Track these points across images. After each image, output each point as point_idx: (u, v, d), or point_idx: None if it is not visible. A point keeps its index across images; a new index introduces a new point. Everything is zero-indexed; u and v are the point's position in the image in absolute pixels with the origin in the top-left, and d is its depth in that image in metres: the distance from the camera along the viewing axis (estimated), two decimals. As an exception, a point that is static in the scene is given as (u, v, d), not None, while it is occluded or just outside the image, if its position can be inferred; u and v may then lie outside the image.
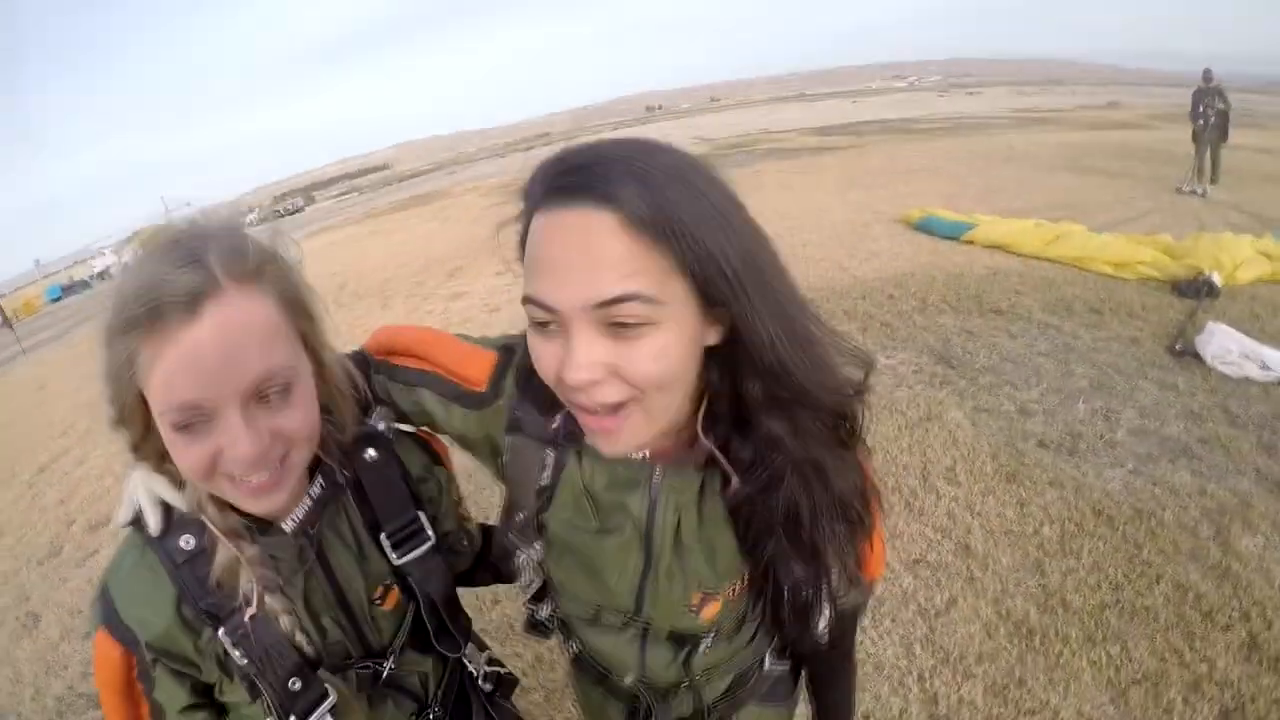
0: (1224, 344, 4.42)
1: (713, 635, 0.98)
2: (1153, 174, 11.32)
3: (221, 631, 0.84)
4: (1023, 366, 4.71)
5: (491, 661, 1.23)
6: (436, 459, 1.10)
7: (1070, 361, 4.67)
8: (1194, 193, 10.01)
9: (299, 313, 0.85)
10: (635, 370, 0.70)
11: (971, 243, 7.66)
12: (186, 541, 0.84)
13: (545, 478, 0.92)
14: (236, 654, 0.85)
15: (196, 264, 0.74)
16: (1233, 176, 10.68)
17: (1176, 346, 4.65)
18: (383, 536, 0.99)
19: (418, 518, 1.02)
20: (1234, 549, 2.90)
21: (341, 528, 0.96)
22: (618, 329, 0.68)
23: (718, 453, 0.83)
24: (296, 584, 0.90)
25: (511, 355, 0.96)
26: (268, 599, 0.86)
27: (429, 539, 1.02)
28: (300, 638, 0.90)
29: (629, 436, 0.76)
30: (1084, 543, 3.01)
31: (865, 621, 2.80)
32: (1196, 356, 4.48)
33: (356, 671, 0.96)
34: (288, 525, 0.90)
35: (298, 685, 0.88)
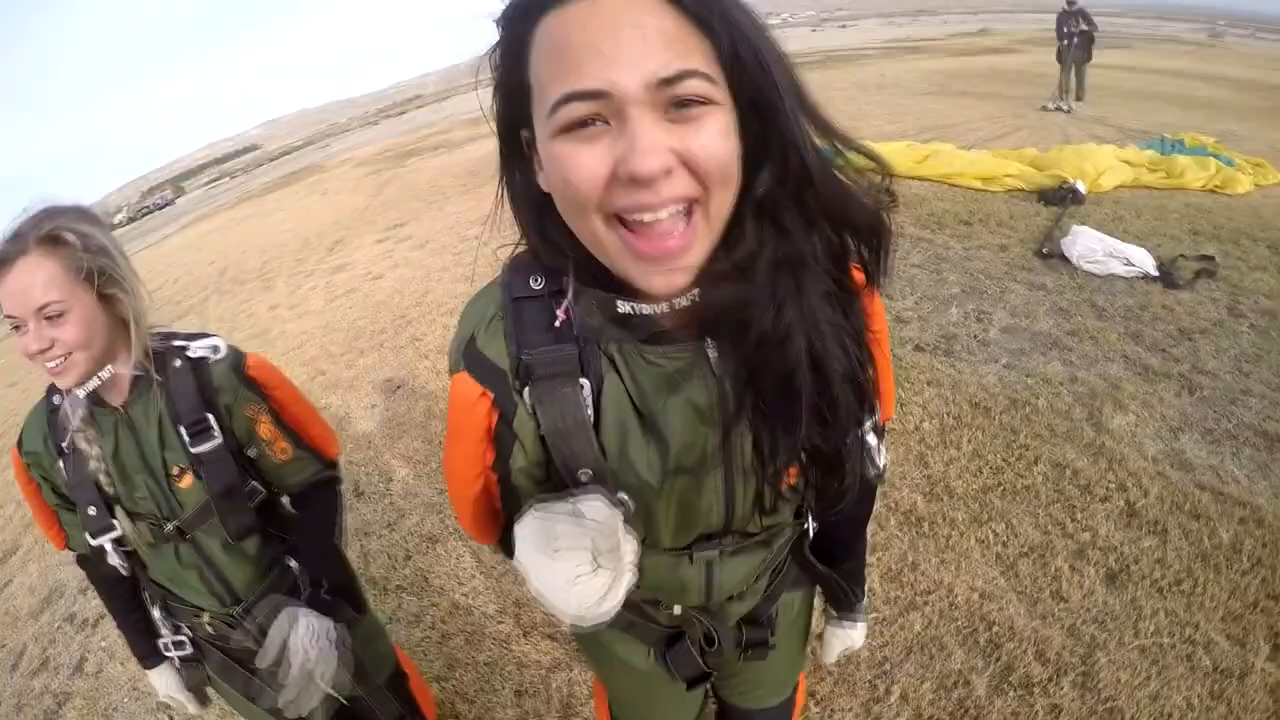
0: (1089, 244, 4.64)
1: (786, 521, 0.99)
2: (1020, 94, 11.87)
3: (60, 461, 1.33)
4: (897, 279, 4.82)
5: (338, 588, 1.49)
6: (254, 389, 1.41)
7: (943, 271, 4.81)
8: (1059, 109, 10.56)
9: (83, 273, 1.22)
10: (707, 153, 0.63)
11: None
12: (58, 401, 1.34)
13: (590, 412, 0.81)
14: (63, 478, 1.34)
15: (19, 237, 1.20)
16: (1098, 93, 11.31)
17: (1044, 250, 4.86)
18: (181, 428, 1.33)
19: (206, 418, 1.35)
20: (1106, 428, 3.05)
21: (150, 411, 1.33)
22: (680, 111, 0.63)
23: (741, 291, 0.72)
24: (107, 442, 1.33)
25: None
26: (79, 444, 1.31)
27: (216, 438, 1.35)
28: (104, 479, 1.32)
29: (697, 252, 0.68)
30: (963, 434, 3.10)
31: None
32: (1063, 258, 4.69)
33: (150, 525, 1.35)
34: (114, 401, 1.34)
35: (92, 511, 1.33)
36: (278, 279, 9.08)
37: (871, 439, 0.90)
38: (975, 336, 3.94)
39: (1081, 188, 5.87)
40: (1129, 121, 9.35)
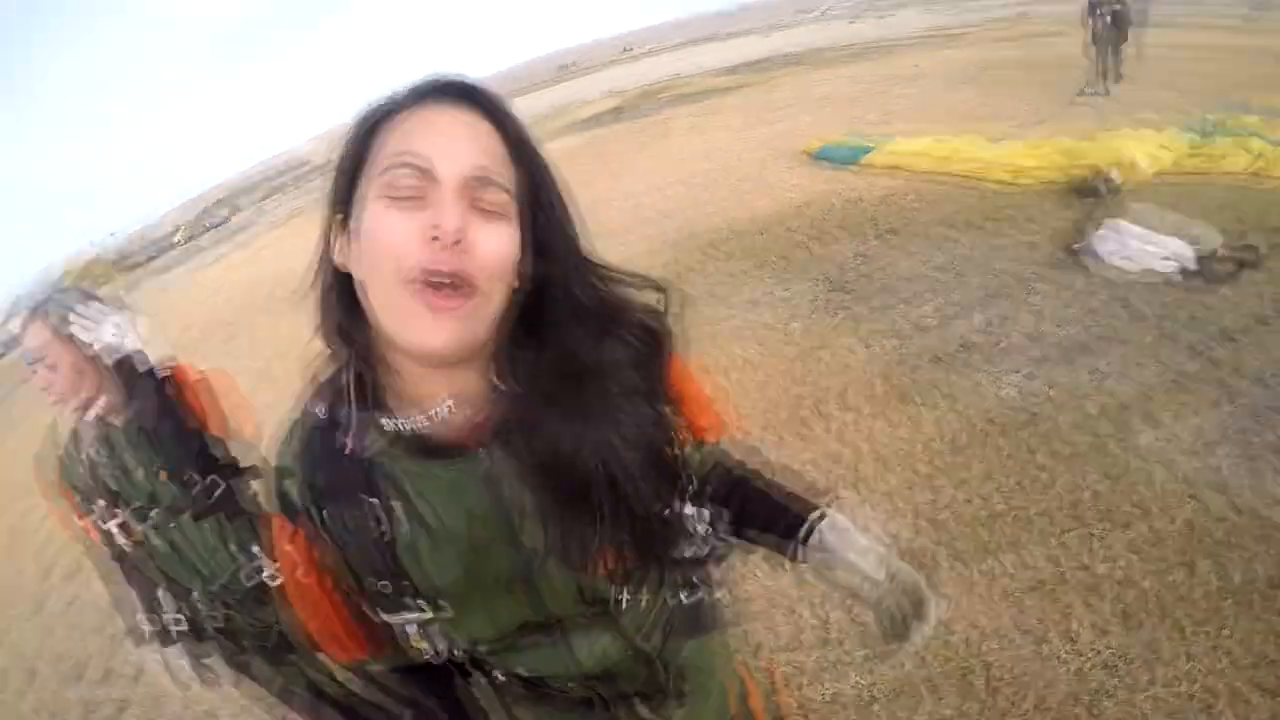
0: (1123, 238, 4.40)
1: (624, 585, 0.95)
2: (1056, 80, 11.45)
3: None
4: (917, 283, 4.64)
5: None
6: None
7: (966, 273, 4.61)
8: (1096, 94, 10.14)
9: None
10: (489, 250, 0.77)
11: (870, 166, 7.60)
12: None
13: (384, 529, 0.86)
14: None
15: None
16: (1136, 75, 10.88)
17: (1074, 246, 4.62)
18: None
19: None
20: (1134, 444, 2.84)
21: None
22: (477, 212, 0.77)
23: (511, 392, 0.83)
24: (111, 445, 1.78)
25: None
26: None
27: None
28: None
29: (463, 327, 0.77)
30: (975, 454, 2.93)
31: (755, 556, 2.71)
32: (1095, 255, 4.45)
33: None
34: None
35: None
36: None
37: (689, 509, 0.94)
38: (996, 344, 3.74)
39: (1116, 177, 5.59)
40: (1169, 104, 8.94)
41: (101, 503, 1.75)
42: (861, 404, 3.45)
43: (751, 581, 2.58)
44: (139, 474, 1.73)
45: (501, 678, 1.00)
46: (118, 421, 1.75)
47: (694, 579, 1.07)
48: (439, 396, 0.82)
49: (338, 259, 0.83)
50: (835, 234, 5.94)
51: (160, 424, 1.71)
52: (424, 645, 0.92)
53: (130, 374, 1.70)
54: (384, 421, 0.84)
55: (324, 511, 0.87)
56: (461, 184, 0.76)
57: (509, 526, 0.85)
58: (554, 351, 0.83)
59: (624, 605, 0.98)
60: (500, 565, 0.87)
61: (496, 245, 0.78)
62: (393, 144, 0.78)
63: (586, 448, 0.80)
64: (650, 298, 0.91)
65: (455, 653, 0.95)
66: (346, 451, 0.85)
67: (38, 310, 1.72)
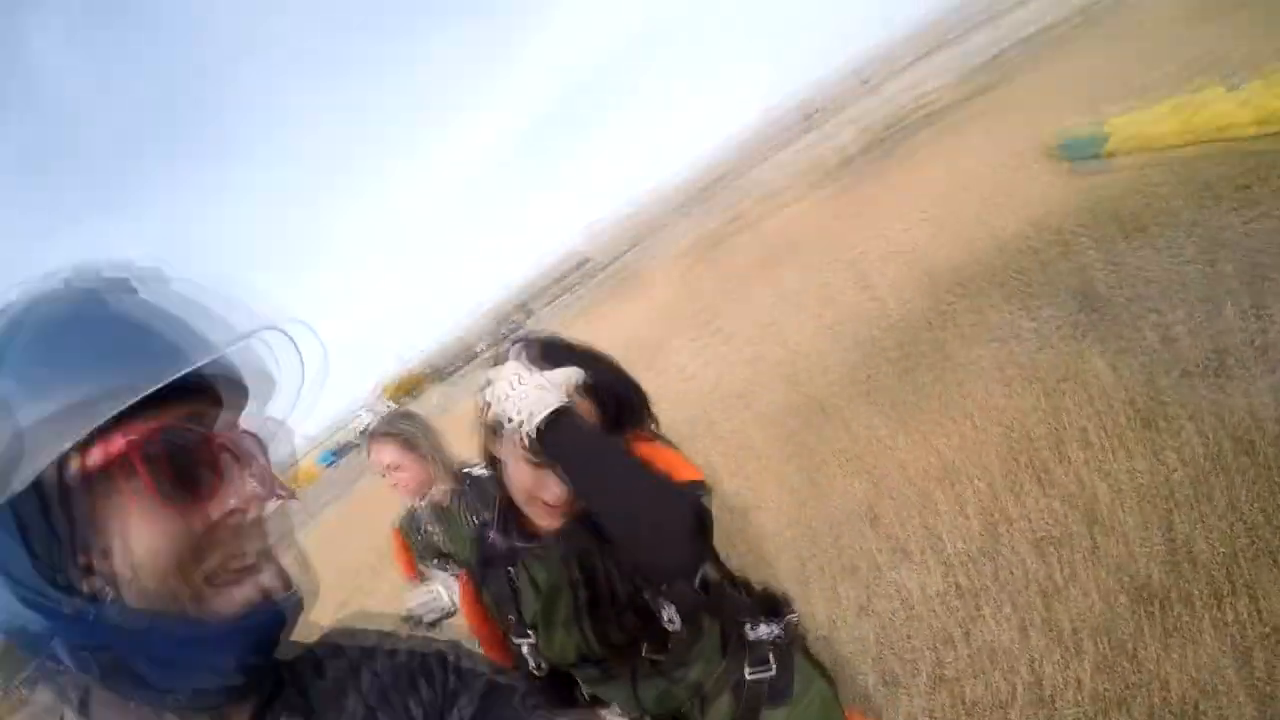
0: None
1: (652, 648, 1.35)
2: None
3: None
4: (1167, 285, 4.33)
5: None
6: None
7: (1218, 259, 4.23)
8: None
9: (409, 444, 2.53)
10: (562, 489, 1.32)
11: (1113, 154, 7.10)
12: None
13: (515, 583, 1.41)
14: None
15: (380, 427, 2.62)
16: None
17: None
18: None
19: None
20: None
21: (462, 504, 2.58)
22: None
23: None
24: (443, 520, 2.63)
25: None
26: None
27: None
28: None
29: (572, 511, 1.33)
30: (1218, 482, 2.76)
31: (985, 609, 2.82)
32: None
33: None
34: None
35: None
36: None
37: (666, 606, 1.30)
38: (1252, 342, 3.44)
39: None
40: None
41: (434, 560, 2.62)
42: (1103, 439, 3.36)
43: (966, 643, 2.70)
44: (464, 533, 2.50)
45: (585, 697, 1.45)
46: (446, 501, 2.60)
47: (767, 657, 1.41)
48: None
49: (492, 449, 1.39)
50: (1081, 243, 5.65)
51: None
52: (529, 660, 1.37)
53: (460, 473, 2.62)
54: (513, 540, 1.42)
55: (484, 571, 1.47)
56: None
57: (569, 587, 1.32)
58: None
59: (670, 665, 1.36)
60: (560, 612, 1.34)
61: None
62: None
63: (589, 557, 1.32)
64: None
65: (542, 668, 1.38)
66: (493, 542, 1.45)
67: (382, 432, 2.56)
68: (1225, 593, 2.36)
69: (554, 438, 1.15)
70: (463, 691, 0.73)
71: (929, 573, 3.19)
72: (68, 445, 0.55)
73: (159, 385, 0.56)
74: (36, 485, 0.55)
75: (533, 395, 1.18)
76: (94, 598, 0.57)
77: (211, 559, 0.62)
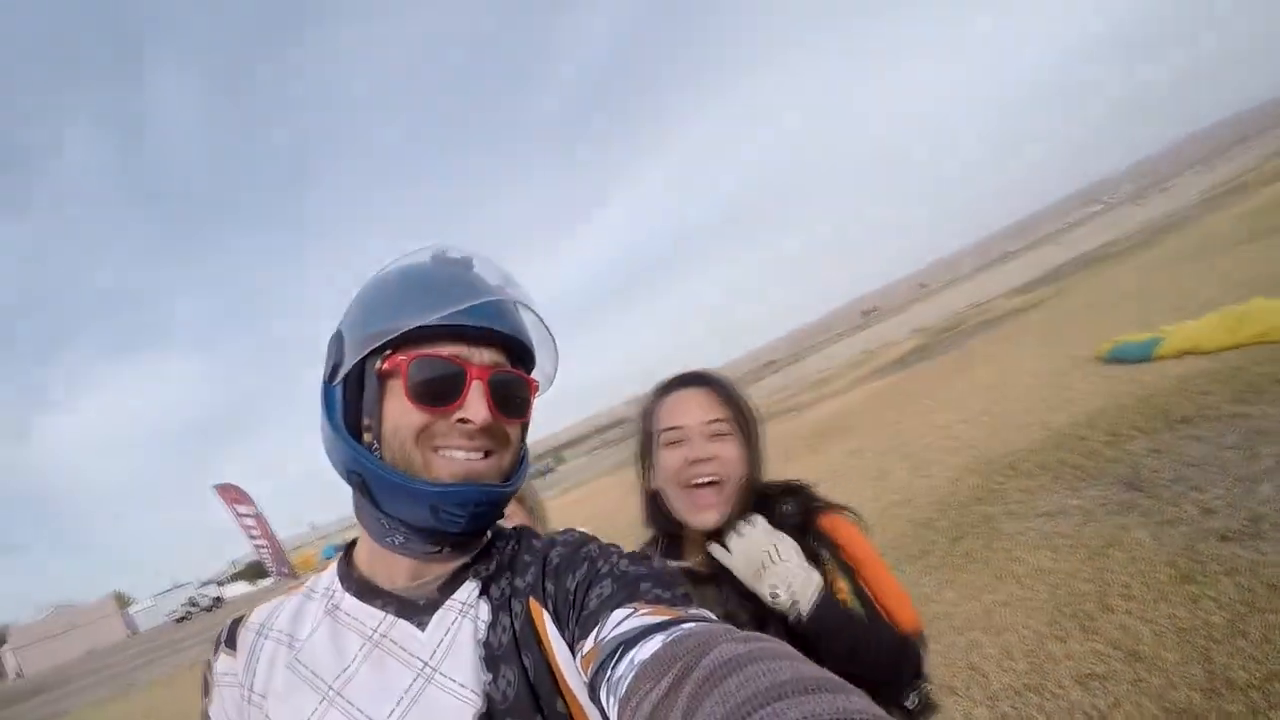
0: None
1: None
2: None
3: None
4: (1207, 467, 4.56)
5: None
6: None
7: (1257, 446, 4.48)
8: None
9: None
10: (725, 455, 1.45)
11: (1163, 356, 7.43)
12: None
13: None
14: None
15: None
16: None
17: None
18: None
19: None
20: None
21: None
22: (714, 436, 1.46)
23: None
24: None
25: None
26: None
27: None
28: None
29: (723, 505, 1.44)
30: (1254, 620, 2.93)
31: None
32: None
33: None
34: None
35: None
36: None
37: None
38: (1286, 511, 3.65)
39: None
40: None
41: None
42: (1145, 592, 3.52)
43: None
44: None
45: None
46: None
47: None
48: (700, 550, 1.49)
49: (650, 486, 1.57)
50: (1128, 434, 5.90)
51: None
52: None
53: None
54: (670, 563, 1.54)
55: None
56: (700, 429, 1.47)
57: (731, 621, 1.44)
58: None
59: None
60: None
61: (730, 450, 1.46)
62: (660, 419, 1.52)
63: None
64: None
65: None
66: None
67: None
68: (1262, 708, 2.50)
69: (816, 613, 1.27)
70: (606, 577, 0.87)
71: (975, 705, 3.29)
72: (361, 355, 0.88)
73: (419, 324, 0.85)
74: (352, 373, 0.89)
75: (800, 576, 1.30)
76: (369, 447, 0.89)
77: (440, 440, 0.88)
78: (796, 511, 1.48)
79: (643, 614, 0.75)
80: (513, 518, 2.76)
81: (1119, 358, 8.32)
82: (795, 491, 1.55)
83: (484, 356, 0.90)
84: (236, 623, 0.98)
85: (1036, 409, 8.18)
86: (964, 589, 4.53)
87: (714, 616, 0.76)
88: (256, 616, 0.97)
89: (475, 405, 0.87)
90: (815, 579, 1.30)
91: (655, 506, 1.56)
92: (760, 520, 1.41)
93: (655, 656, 0.63)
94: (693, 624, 0.69)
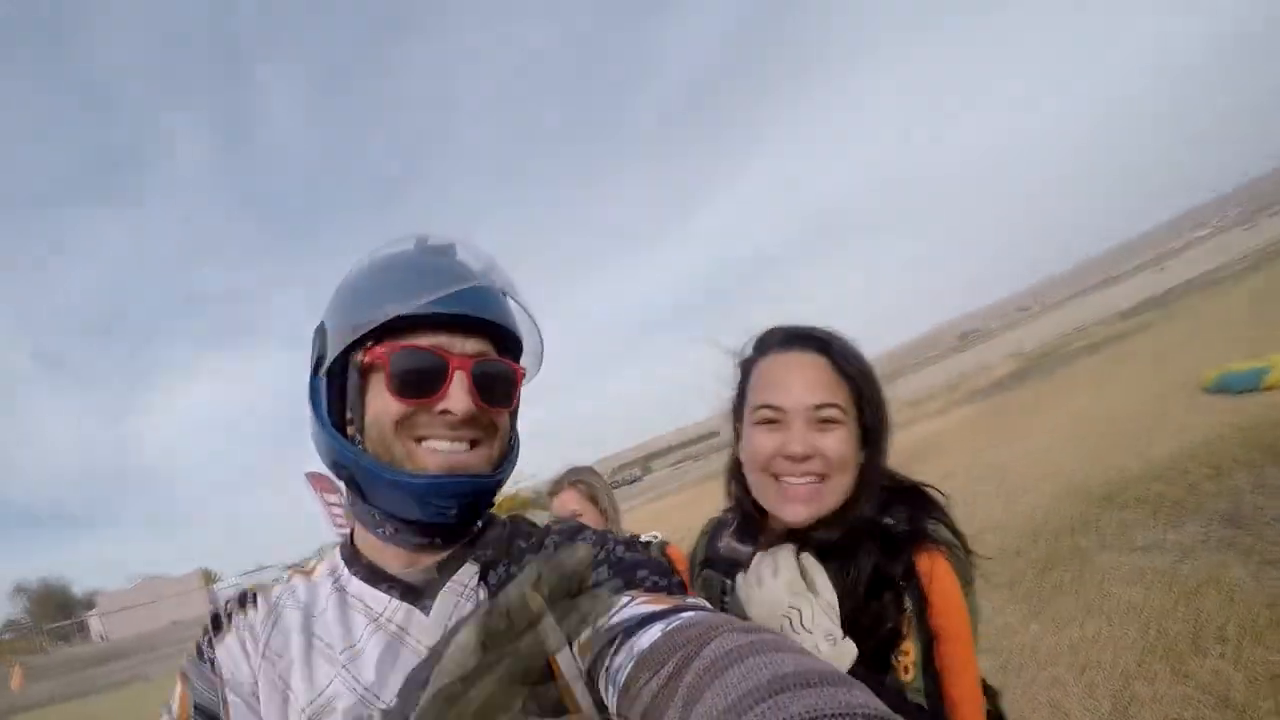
0: None
1: None
2: None
3: None
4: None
5: None
6: None
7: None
8: None
9: (593, 496, 2.64)
10: (832, 450, 1.15)
11: (1270, 388, 7.07)
12: None
13: (726, 599, 1.29)
14: None
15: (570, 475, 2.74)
16: None
17: None
18: None
19: None
20: None
21: None
22: (820, 425, 1.15)
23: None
24: None
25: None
26: None
27: None
28: None
29: (818, 503, 1.16)
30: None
31: None
32: None
33: None
34: None
35: None
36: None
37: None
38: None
39: None
40: None
41: None
42: (1239, 635, 3.39)
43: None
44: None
45: None
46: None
47: None
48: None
49: (739, 453, 1.30)
50: (1230, 468, 5.65)
51: None
52: None
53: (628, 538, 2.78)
54: (735, 545, 1.33)
55: (702, 571, 1.39)
56: (803, 414, 1.15)
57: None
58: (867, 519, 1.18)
59: None
60: None
61: (840, 445, 1.15)
62: (756, 390, 1.22)
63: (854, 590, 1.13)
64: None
65: None
66: (720, 544, 1.38)
67: (571, 480, 2.71)
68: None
69: None
70: (603, 564, 0.87)
71: (1054, 742, 3.23)
72: (341, 348, 0.87)
73: (393, 315, 0.83)
74: (335, 366, 0.89)
75: (825, 651, 1.02)
76: (352, 439, 0.89)
77: (421, 431, 0.87)
78: (902, 528, 1.17)
79: (640, 602, 0.74)
80: (584, 516, 2.79)
81: (1224, 387, 7.94)
82: (914, 499, 1.25)
83: (466, 346, 0.89)
84: (248, 592, 0.99)
85: (1136, 439, 7.88)
86: (1050, 622, 4.43)
87: (711, 606, 0.75)
88: (271, 591, 0.98)
89: (457, 396, 0.85)
90: (848, 654, 1.03)
91: (739, 478, 1.33)
92: (786, 563, 1.13)
93: (654, 646, 0.61)
94: (692, 613, 0.67)
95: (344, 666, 0.86)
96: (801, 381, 1.18)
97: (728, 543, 1.37)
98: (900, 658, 1.08)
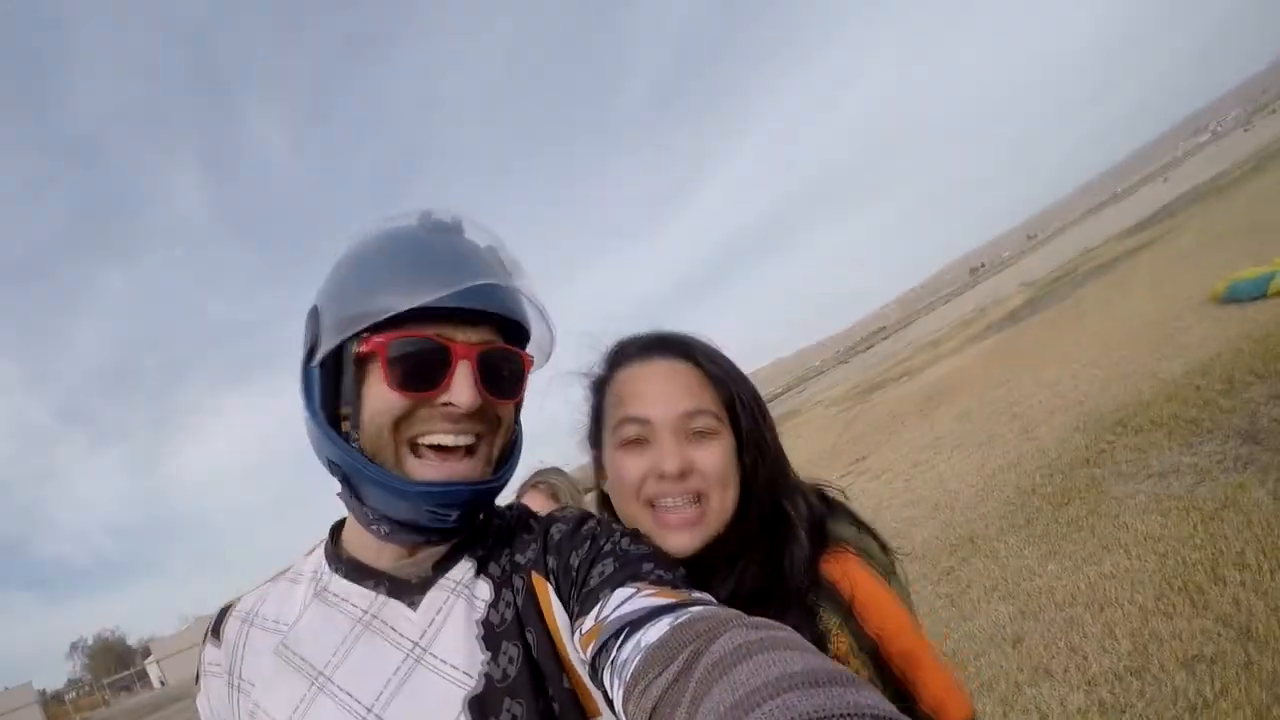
0: None
1: None
2: None
3: None
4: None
5: None
6: None
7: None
8: None
9: (555, 495, 2.37)
10: (708, 463, 0.99)
11: (1278, 294, 6.81)
12: None
13: None
14: None
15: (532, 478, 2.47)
16: None
17: None
18: None
19: None
20: None
21: None
22: (694, 437, 1.00)
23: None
24: None
25: None
26: None
27: None
28: None
29: (702, 528, 0.98)
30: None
31: None
32: None
33: None
34: None
35: None
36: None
37: None
38: None
39: None
40: None
41: None
42: (1260, 560, 3.22)
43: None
44: None
45: None
46: None
47: None
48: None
49: (600, 483, 1.14)
50: (1245, 381, 5.45)
51: None
52: None
53: None
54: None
55: None
56: (671, 424, 0.99)
57: None
58: (757, 530, 1.02)
59: None
60: None
61: (718, 457, 0.99)
62: (614, 405, 1.05)
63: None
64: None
65: None
66: None
67: (533, 482, 2.58)
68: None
69: None
70: (609, 555, 0.83)
71: (1071, 690, 3.09)
72: (338, 340, 0.78)
73: (403, 309, 0.75)
74: (330, 356, 0.80)
75: None
76: (347, 436, 0.81)
77: (418, 429, 0.80)
78: (808, 543, 1.01)
79: (646, 594, 0.72)
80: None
81: (1234, 297, 7.70)
82: (816, 506, 1.07)
83: (471, 334, 0.82)
84: (224, 611, 0.94)
85: (1147, 358, 7.68)
86: (1067, 560, 4.27)
87: (716, 600, 0.72)
88: (244, 604, 0.92)
89: (461, 387, 0.79)
90: None
91: (611, 512, 1.12)
92: None
93: (663, 641, 0.60)
94: (700, 607, 0.66)
95: (323, 680, 0.81)
96: (668, 390, 1.02)
97: None
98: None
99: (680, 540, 0.97)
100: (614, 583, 0.77)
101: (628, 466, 1.01)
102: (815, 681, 0.44)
